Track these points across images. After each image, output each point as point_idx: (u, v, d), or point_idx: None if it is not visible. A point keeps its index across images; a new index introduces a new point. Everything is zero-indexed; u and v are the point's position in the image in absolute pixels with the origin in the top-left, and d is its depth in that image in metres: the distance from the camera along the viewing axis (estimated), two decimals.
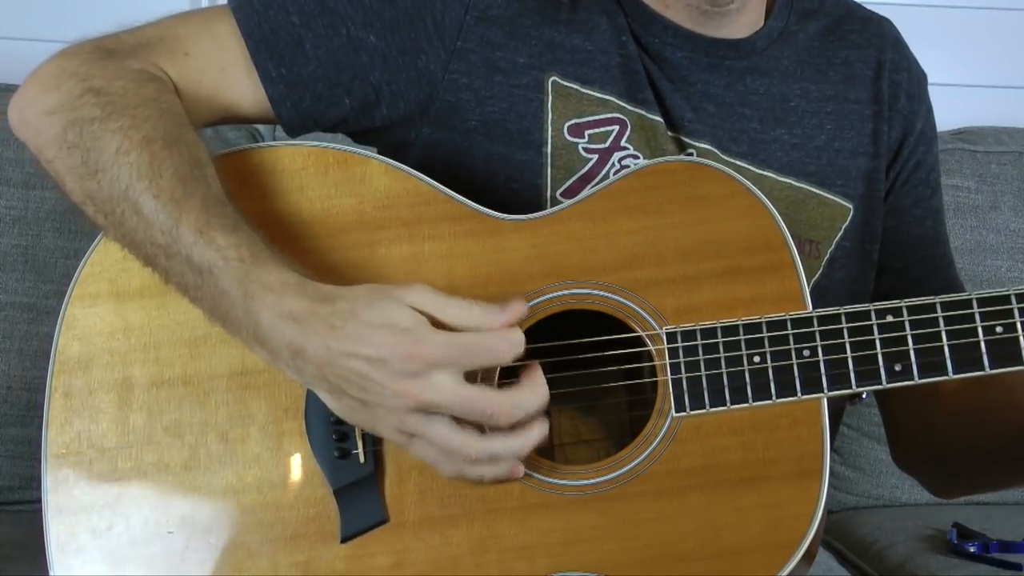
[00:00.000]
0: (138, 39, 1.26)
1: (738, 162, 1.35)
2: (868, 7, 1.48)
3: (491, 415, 1.07)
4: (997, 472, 1.36)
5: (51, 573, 1.16)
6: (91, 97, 1.18)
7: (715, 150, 1.34)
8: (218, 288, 1.11)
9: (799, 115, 1.38)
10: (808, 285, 1.35)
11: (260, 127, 2.13)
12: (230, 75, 1.27)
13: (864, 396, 1.19)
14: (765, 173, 1.35)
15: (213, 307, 1.13)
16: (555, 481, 1.15)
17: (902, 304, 1.14)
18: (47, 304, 1.99)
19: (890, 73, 1.43)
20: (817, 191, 1.37)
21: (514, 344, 1.08)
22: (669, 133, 1.33)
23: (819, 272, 1.38)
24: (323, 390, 1.10)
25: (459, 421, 1.08)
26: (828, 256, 1.38)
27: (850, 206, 1.39)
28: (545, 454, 1.23)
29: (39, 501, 1.20)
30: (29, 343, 1.99)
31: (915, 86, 1.45)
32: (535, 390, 1.10)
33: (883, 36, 1.44)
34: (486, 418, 1.07)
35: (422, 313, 1.07)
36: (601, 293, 1.18)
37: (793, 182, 1.36)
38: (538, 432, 1.10)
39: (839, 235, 1.39)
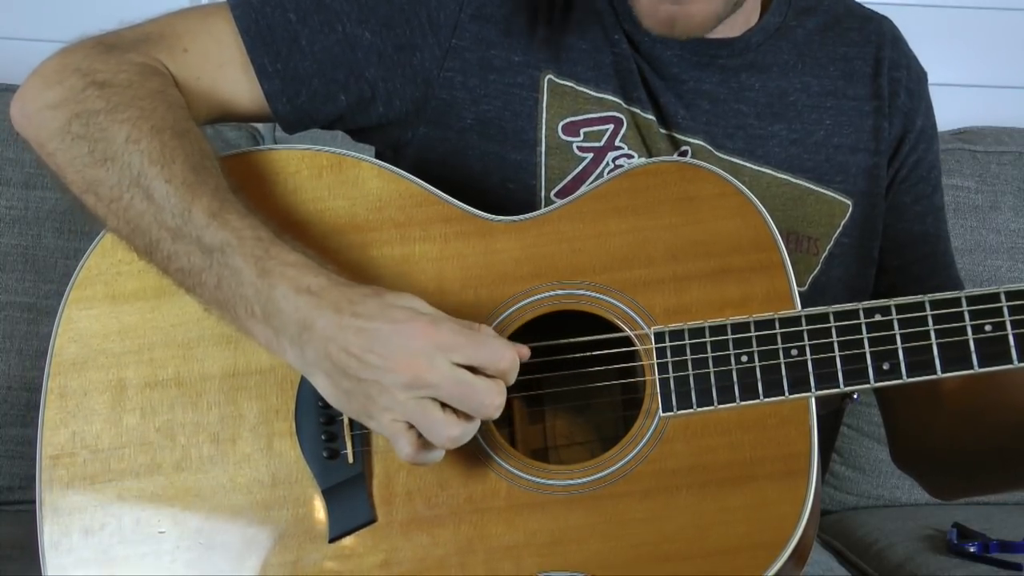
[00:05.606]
0: (138, 35, 1.28)
1: (734, 159, 1.34)
2: (867, 6, 1.47)
3: (483, 406, 1.08)
4: (997, 474, 1.35)
5: (43, 573, 1.17)
6: (95, 90, 1.20)
7: (709, 147, 1.33)
8: (228, 267, 1.12)
9: (798, 109, 1.37)
10: (806, 282, 1.36)
11: (260, 129, 2.14)
12: (228, 71, 1.28)
13: (856, 396, 1.18)
14: (762, 170, 1.35)
15: (215, 288, 1.13)
16: (542, 481, 1.15)
17: (891, 303, 1.13)
18: (47, 304, 1.99)
19: (889, 70, 1.42)
20: (815, 187, 1.37)
21: (513, 361, 1.10)
22: (662, 131, 1.33)
23: (817, 269, 1.37)
24: (321, 372, 1.10)
25: (446, 408, 1.08)
26: (826, 253, 1.37)
27: (849, 202, 1.38)
28: (539, 456, 1.23)
29: None
30: (29, 343, 1.99)
31: (915, 83, 1.44)
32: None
33: (882, 34, 1.43)
34: (475, 406, 1.07)
35: None
36: (590, 294, 1.18)
37: (791, 178, 1.36)
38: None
39: (838, 231, 1.38)
